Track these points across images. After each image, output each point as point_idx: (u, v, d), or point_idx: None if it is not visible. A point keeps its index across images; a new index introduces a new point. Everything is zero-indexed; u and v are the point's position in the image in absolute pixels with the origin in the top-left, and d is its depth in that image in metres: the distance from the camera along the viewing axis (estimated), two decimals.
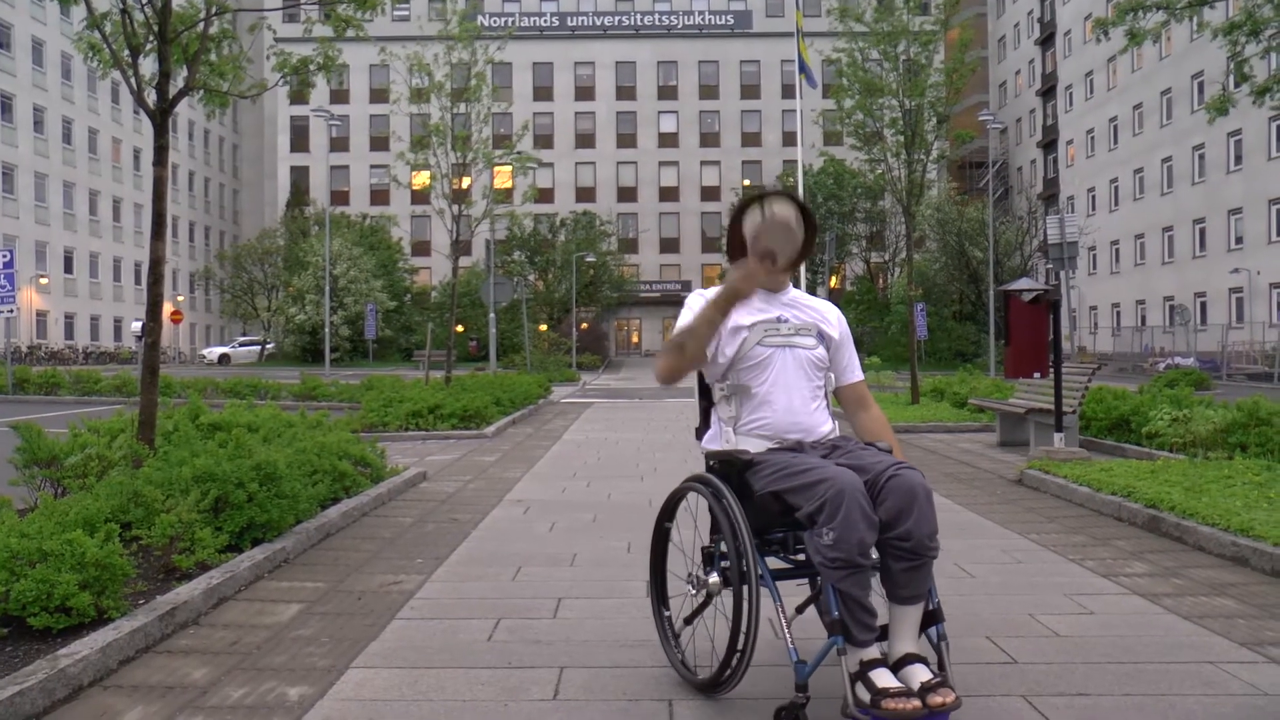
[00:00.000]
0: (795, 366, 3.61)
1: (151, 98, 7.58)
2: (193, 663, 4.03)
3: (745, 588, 3.25)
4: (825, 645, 3.12)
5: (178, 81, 7.88)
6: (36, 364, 43.53)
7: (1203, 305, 48.34)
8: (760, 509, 3.41)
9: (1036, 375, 12.07)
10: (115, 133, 66.61)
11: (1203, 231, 48.97)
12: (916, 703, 2.91)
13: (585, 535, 6.80)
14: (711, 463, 3.69)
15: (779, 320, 3.65)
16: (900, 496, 3.15)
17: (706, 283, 72.38)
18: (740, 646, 3.30)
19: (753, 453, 3.48)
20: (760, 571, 3.28)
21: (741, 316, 3.61)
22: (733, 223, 3.74)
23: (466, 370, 32.44)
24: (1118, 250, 57.48)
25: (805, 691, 3.09)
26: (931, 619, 3.26)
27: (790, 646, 3.18)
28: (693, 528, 4.04)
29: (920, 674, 3.07)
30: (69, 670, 3.63)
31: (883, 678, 3.03)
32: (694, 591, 3.72)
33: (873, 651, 3.11)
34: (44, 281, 57.70)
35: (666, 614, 3.95)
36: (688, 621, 3.85)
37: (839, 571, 3.06)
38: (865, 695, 3.00)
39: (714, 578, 3.56)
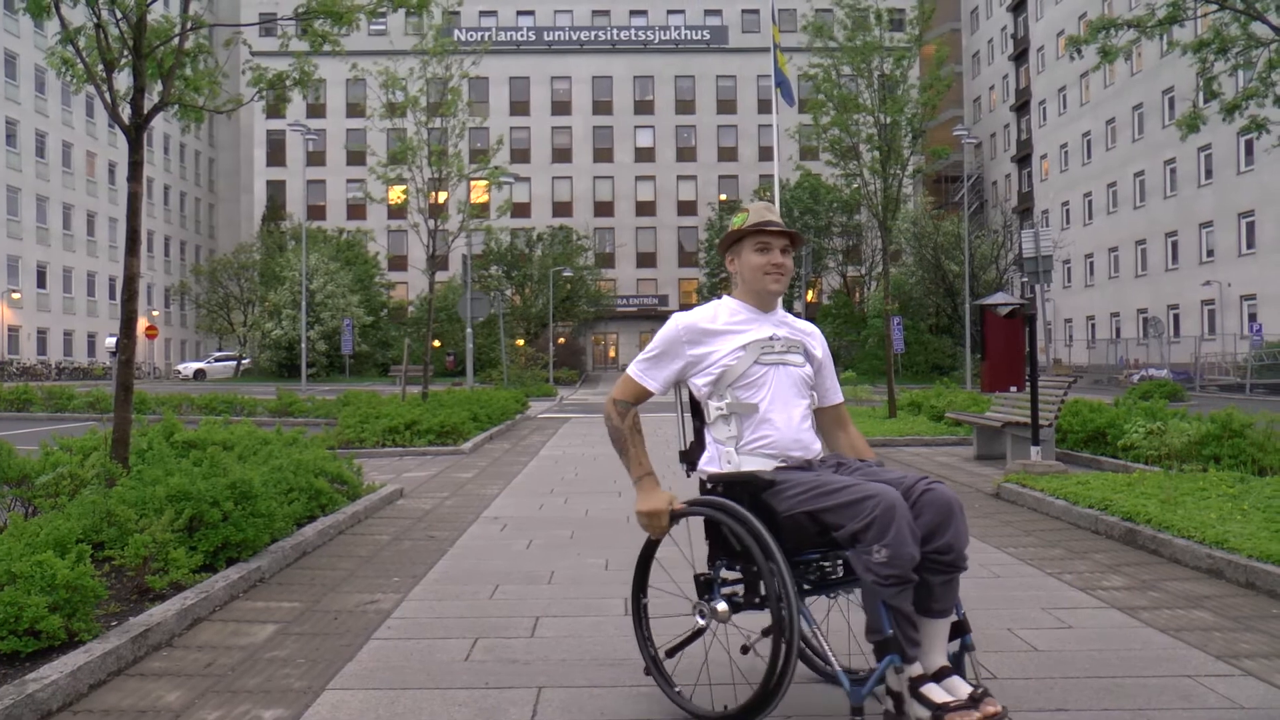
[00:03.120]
0: (789, 384, 3.61)
1: (126, 113, 7.53)
2: (166, 685, 3.98)
3: (785, 612, 3.14)
4: (883, 664, 3.07)
5: (153, 96, 7.82)
6: (8, 379, 43.12)
7: (1175, 317, 48.78)
8: (792, 530, 3.35)
9: (1013, 389, 12.11)
10: (90, 146, 66.19)
11: (1175, 244, 49.46)
12: (977, 714, 2.93)
13: (563, 552, 6.76)
14: (711, 486, 3.60)
15: (772, 339, 3.64)
16: (937, 511, 3.19)
17: (684, 297, 72.55)
18: (780, 672, 3.18)
19: (769, 473, 3.43)
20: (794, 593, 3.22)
21: (737, 337, 3.60)
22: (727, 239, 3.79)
23: (443, 385, 32.35)
24: (1092, 263, 57.95)
25: (862, 714, 3.03)
26: (959, 630, 3.30)
27: (838, 670, 3.12)
28: (676, 550, 3.97)
29: (961, 685, 3.10)
30: (37, 695, 3.57)
31: (936, 693, 3.03)
32: (701, 620, 3.58)
33: (917, 667, 3.11)
34: (16, 296, 57.19)
35: (648, 636, 3.84)
36: (671, 653, 3.74)
37: (892, 588, 3.04)
38: (925, 713, 3.00)
39: (722, 605, 3.46)
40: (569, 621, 4.93)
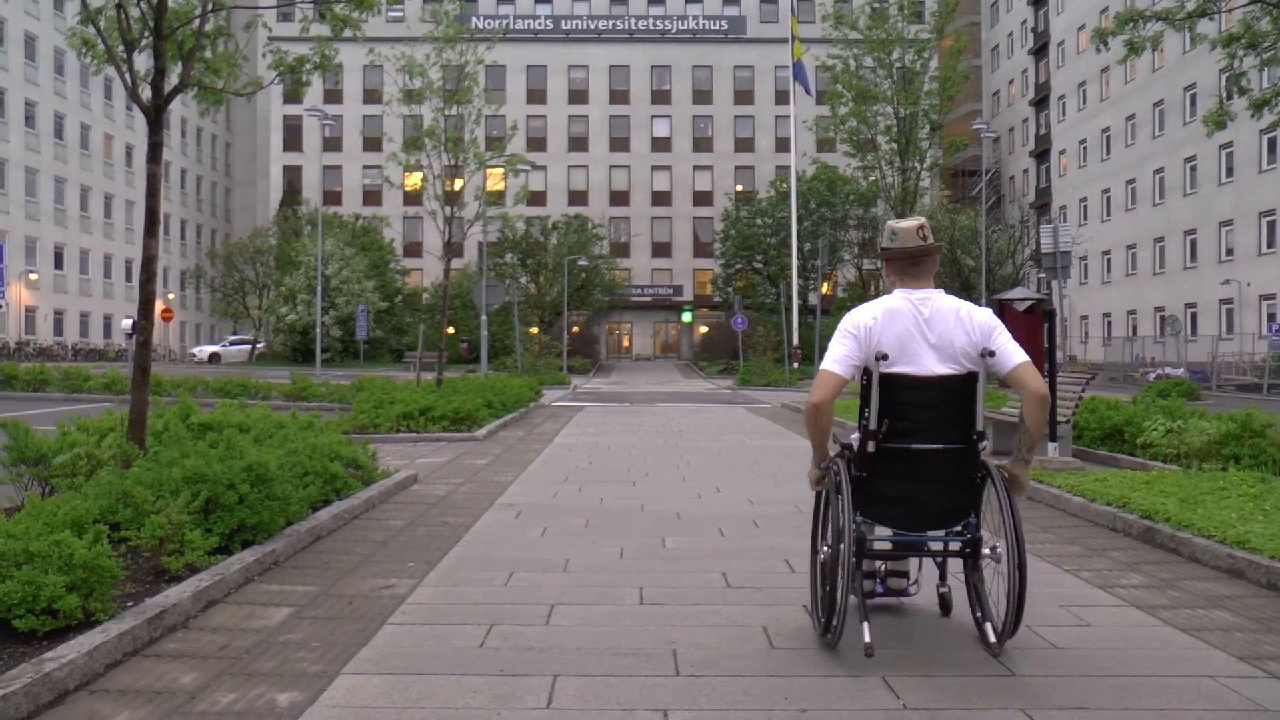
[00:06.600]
0: None
1: (146, 94, 7.51)
2: (181, 667, 3.98)
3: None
4: None
5: (172, 78, 7.81)
6: (25, 360, 43.27)
7: (1193, 316, 48.44)
8: None
9: None
10: (108, 129, 66.31)
11: (1194, 243, 49.10)
12: None
13: (577, 540, 6.75)
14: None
15: None
16: None
17: (698, 288, 72.37)
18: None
19: None
20: None
21: None
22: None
23: (458, 372, 32.33)
24: (1109, 260, 57.60)
25: None
26: None
27: None
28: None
29: None
30: (54, 674, 3.57)
31: None
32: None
33: None
34: (34, 277, 57.42)
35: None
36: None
37: None
38: None
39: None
40: (584, 610, 4.91)
